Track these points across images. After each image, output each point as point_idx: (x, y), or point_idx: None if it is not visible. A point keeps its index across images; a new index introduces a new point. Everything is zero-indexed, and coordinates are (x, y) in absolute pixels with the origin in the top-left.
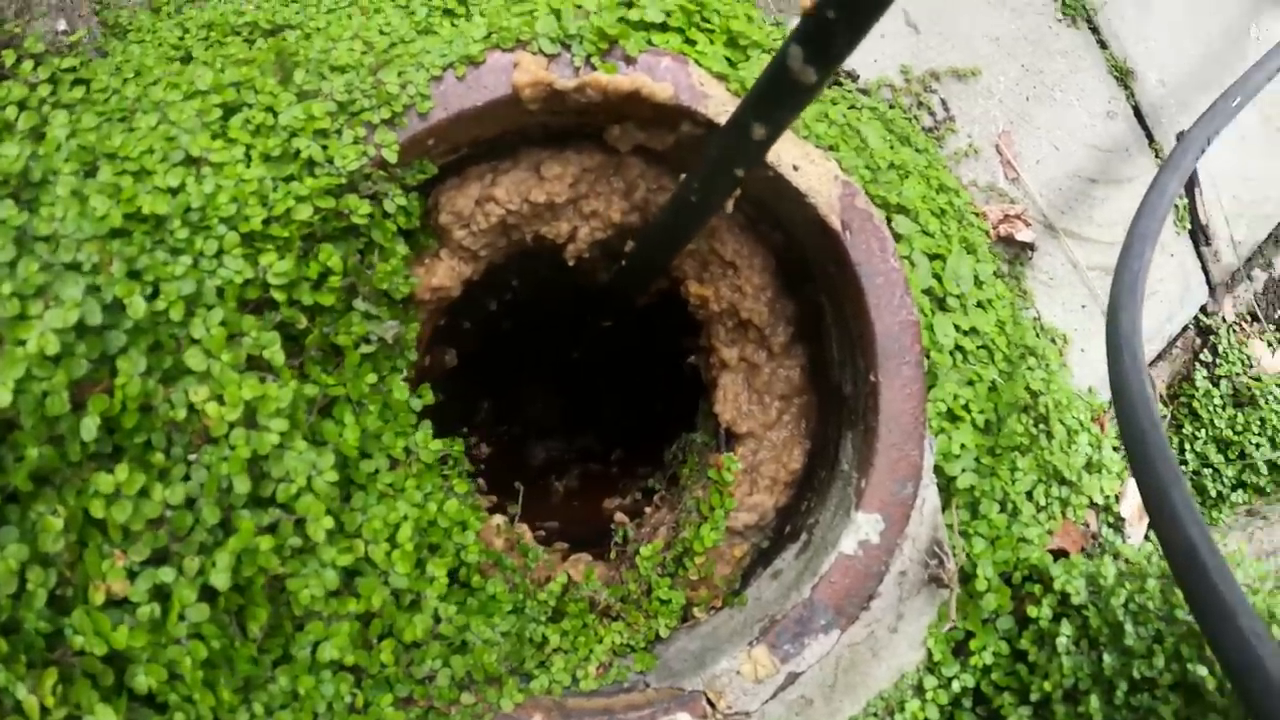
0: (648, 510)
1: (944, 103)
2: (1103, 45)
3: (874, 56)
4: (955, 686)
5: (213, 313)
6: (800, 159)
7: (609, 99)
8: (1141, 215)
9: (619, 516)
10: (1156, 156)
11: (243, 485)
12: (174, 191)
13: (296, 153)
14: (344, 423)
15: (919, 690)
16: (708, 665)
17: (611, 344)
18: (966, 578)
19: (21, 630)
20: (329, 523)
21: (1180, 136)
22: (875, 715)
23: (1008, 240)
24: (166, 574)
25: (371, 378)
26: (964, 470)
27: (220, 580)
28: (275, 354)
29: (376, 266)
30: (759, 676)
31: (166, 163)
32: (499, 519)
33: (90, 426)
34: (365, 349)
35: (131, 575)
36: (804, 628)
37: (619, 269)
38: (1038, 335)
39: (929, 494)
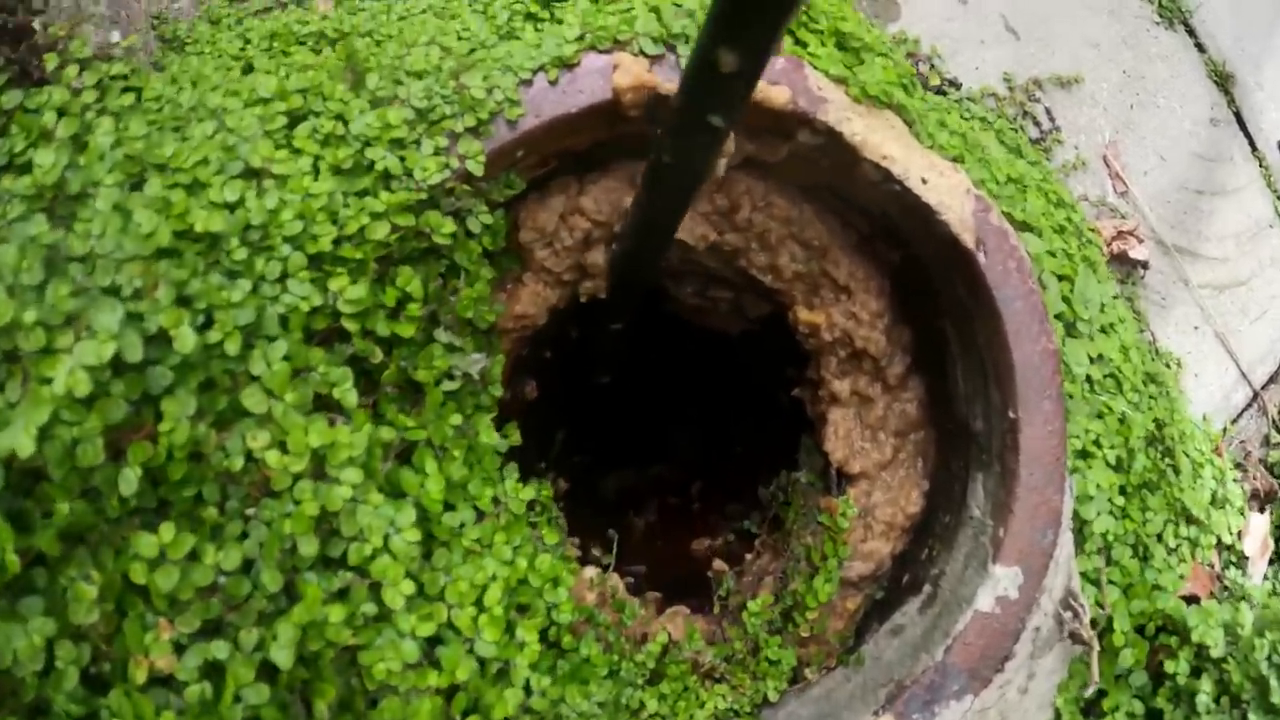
0: (748, 557)
1: (1049, 112)
2: (1200, 48)
3: (975, 64)
4: None
5: (275, 345)
6: (928, 171)
7: None
8: None
9: (717, 564)
10: (1261, 165)
11: (309, 546)
12: (231, 207)
13: (370, 164)
14: (425, 471)
15: None
16: None
17: (693, 373)
18: (1100, 631)
19: (51, 713)
20: (408, 587)
21: None
22: None
23: (1120, 258)
24: (220, 648)
25: (456, 419)
26: (1099, 513)
27: (282, 657)
28: (347, 393)
29: (461, 292)
30: None
31: (223, 175)
32: (590, 571)
33: (130, 479)
34: (448, 385)
35: (179, 649)
36: (935, 694)
37: (612, 272)
38: (1154, 360)
39: (1064, 540)
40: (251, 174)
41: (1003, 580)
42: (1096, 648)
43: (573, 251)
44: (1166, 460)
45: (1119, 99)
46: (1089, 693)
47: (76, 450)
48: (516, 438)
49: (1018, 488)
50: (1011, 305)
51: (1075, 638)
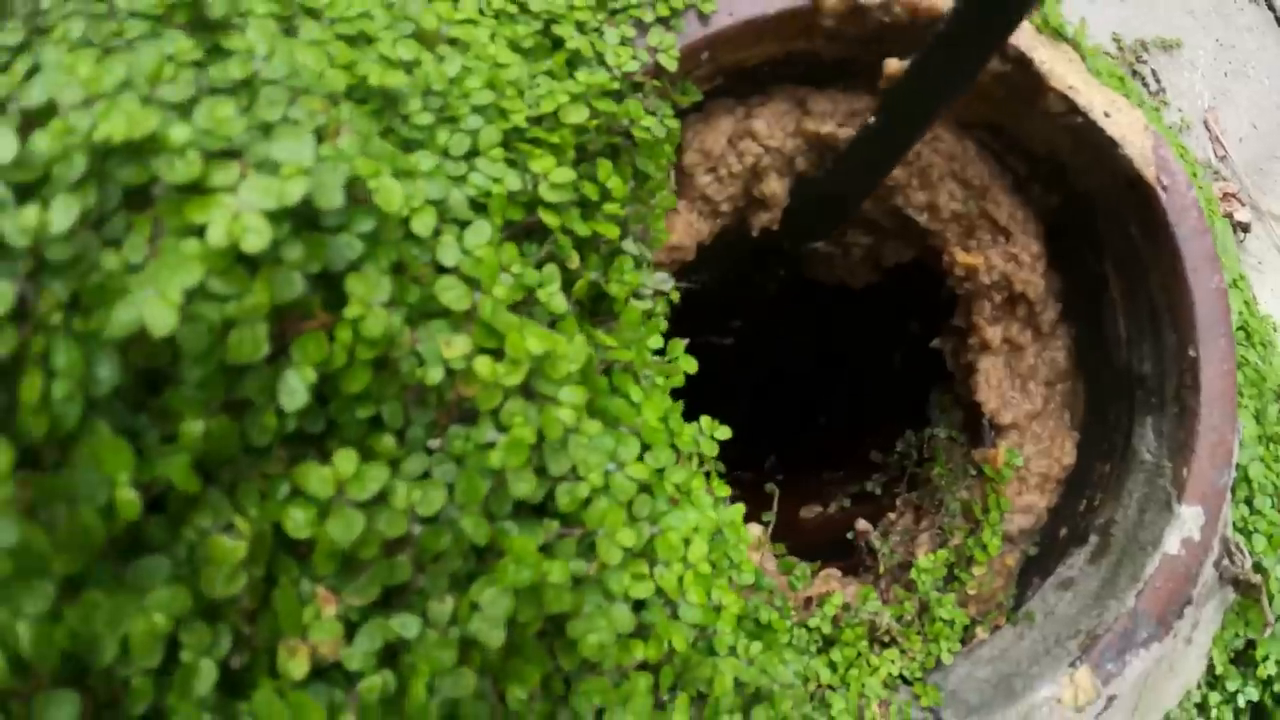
0: (890, 516)
1: (1155, 74)
2: (1279, 23)
3: (1090, 23)
4: (1240, 701)
5: (473, 229)
6: (1109, 105)
7: (917, 19)
8: None
9: (861, 524)
10: None
11: (524, 485)
12: (408, 67)
13: (558, 43)
14: (632, 399)
15: (1202, 709)
16: (1020, 695)
17: (793, 335)
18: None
19: None
20: (628, 538)
21: None
22: None
23: (1226, 219)
24: (407, 624)
25: (656, 340)
26: (1252, 460)
27: (491, 633)
28: (554, 296)
29: (657, 196)
30: (1080, 703)
31: (393, 31)
32: (756, 529)
33: (297, 387)
34: (640, 304)
35: (349, 628)
36: (1128, 642)
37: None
38: (1261, 322)
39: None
40: (423, 41)
41: (1188, 520)
42: (1264, 588)
43: (738, 179)
44: None
45: (1214, 66)
46: (1268, 633)
47: (231, 339)
48: (692, 365)
49: (1199, 426)
50: (1189, 244)
51: (1238, 583)
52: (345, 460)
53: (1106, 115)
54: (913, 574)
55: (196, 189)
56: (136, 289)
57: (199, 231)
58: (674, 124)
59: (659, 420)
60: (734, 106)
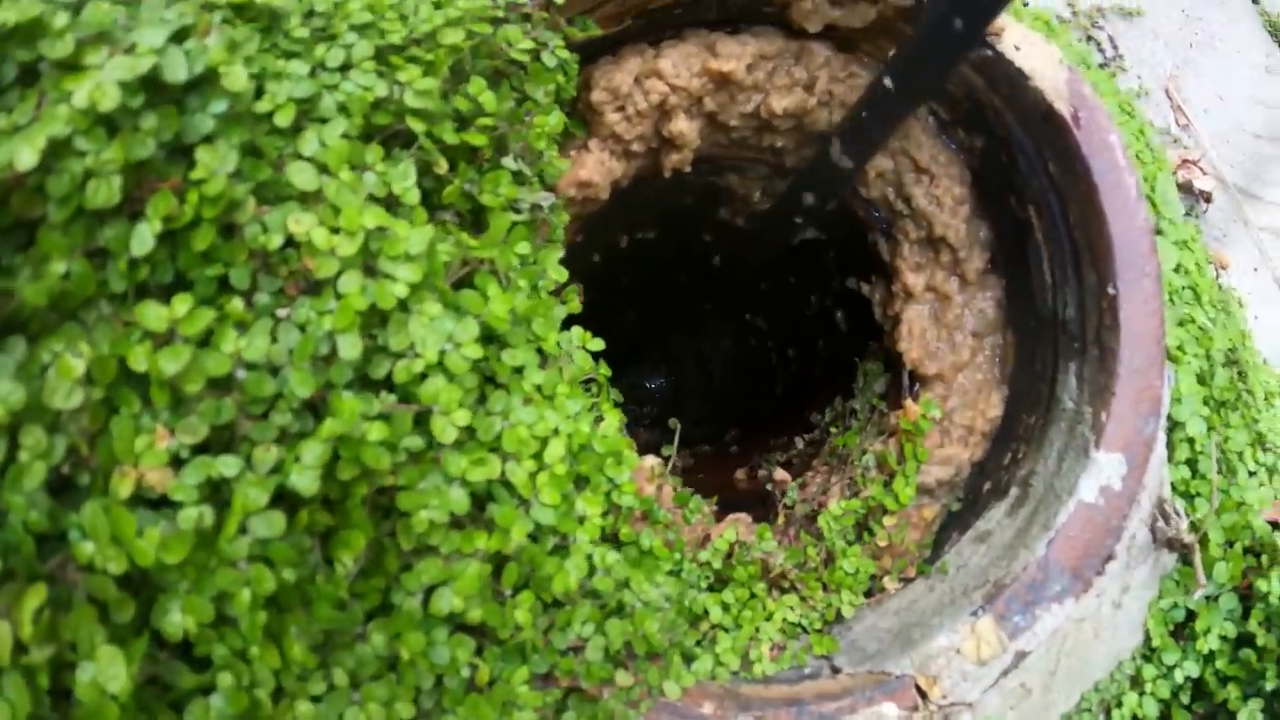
0: (808, 474)
1: (1112, 40)
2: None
3: None
4: (1178, 676)
5: (331, 124)
6: (1020, 40)
7: None
8: None
9: (780, 474)
10: None
11: (351, 348)
12: None
13: None
14: (487, 294)
15: (1136, 682)
16: (917, 643)
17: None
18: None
19: (4, 526)
20: (463, 417)
21: None
22: (1089, 712)
23: (1185, 188)
24: (229, 465)
25: (523, 247)
26: (1192, 414)
27: (305, 481)
28: (408, 191)
29: (535, 117)
30: (983, 657)
31: None
32: (651, 460)
33: (145, 236)
34: (515, 216)
35: (177, 463)
36: (1037, 595)
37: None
38: (1220, 290)
39: (1161, 438)
40: None
41: (1106, 468)
42: (1197, 549)
43: (646, 118)
44: (1242, 383)
45: (1179, 36)
46: (1197, 595)
47: (88, 187)
48: (576, 305)
49: (1119, 368)
50: (1107, 178)
51: (1172, 544)
52: (180, 302)
53: (1017, 49)
54: (820, 521)
55: (75, 68)
56: (14, 140)
57: (70, 98)
58: (565, 55)
59: (507, 313)
60: (644, 49)
